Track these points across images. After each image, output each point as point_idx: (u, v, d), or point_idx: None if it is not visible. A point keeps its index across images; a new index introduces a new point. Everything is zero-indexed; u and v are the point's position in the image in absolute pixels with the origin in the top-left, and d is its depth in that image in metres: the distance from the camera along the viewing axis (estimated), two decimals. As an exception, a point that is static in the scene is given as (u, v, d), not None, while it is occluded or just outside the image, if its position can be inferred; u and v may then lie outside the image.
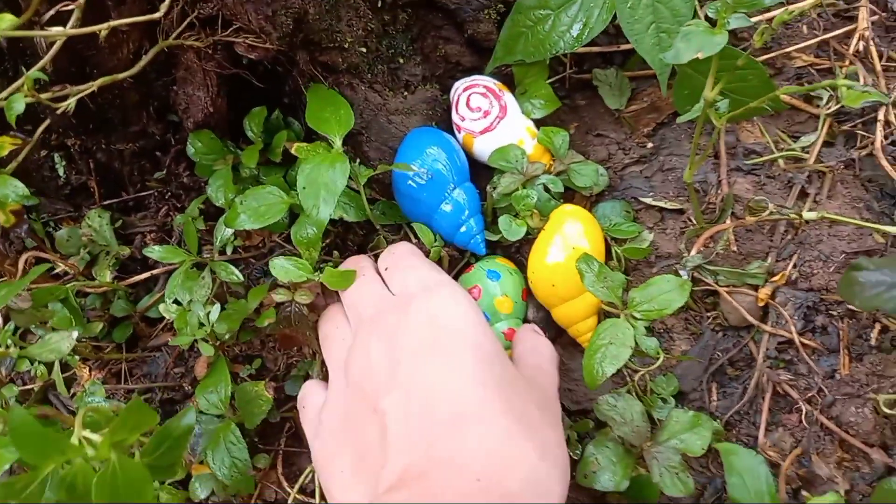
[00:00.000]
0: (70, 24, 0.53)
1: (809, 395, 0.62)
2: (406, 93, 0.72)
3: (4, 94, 0.52)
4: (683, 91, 0.74)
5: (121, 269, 0.75)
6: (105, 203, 0.79)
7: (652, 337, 0.59)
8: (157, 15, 0.56)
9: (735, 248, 0.70)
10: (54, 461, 0.32)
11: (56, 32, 0.52)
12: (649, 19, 0.67)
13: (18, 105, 0.51)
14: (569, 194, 0.72)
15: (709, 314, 0.69)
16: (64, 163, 0.77)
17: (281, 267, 0.59)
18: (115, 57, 0.67)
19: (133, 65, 0.65)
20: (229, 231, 0.67)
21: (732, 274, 0.68)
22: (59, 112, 0.54)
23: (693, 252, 0.69)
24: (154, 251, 0.62)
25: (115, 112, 0.71)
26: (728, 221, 0.70)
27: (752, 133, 0.78)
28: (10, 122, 0.51)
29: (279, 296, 0.59)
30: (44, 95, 0.53)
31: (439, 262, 0.68)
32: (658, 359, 0.62)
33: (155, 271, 0.74)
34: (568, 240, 0.65)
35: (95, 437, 0.34)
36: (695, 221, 0.71)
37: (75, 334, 0.54)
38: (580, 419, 0.65)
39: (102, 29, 0.53)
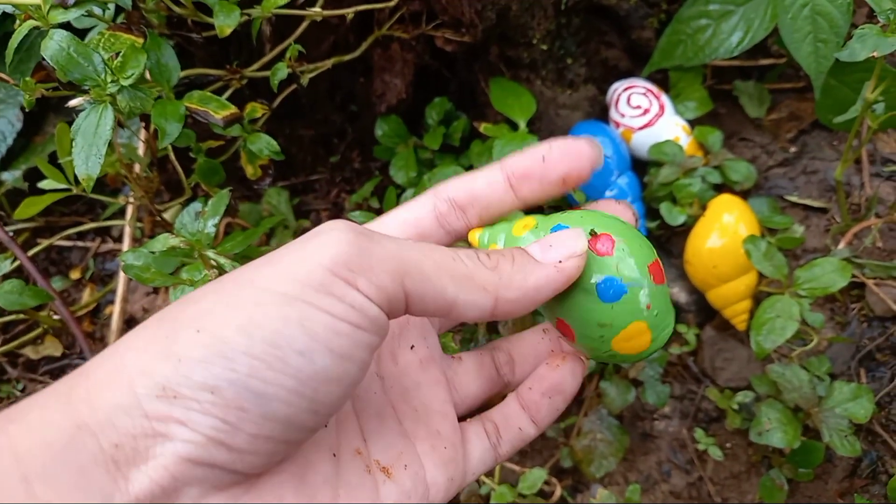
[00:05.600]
0: (317, 6, 0.62)
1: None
2: (570, 90, 0.79)
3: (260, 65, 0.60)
4: (827, 101, 0.80)
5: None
6: (278, 185, 0.87)
7: (817, 313, 0.64)
8: (391, 3, 0.64)
9: (881, 245, 0.74)
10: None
11: (314, 12, 0.60)
12: (808, 30, 0.73)
13: (282, 72, 0.59)
14: (716, 190, 0.78)
15: (854, 305, 0.74)
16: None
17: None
18: (318, 48, 0.75)
19: (330, 56, 0.73)
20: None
21: (879, 267, 0.72)
22: (304, 83, 0.62)
23: (841, 246, 0.74)
24: (356, 216, 0.69)
25: (308, 100, 0.80)
26: (873, 219, 0.74)
27: (888, 143, 0.83)
28: (273, 87, 0.59)
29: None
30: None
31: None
32: (812, 340, 0.66)
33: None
34: (728, 226, 0.71)
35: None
36: (840, 219, 0.76)
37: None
38: (735, 393, 0.69)
39: (349, 13, 0.62)
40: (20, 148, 0.86)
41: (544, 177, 0.30)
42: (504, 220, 0.31)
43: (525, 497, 0.60)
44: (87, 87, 0.54)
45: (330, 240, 0.24)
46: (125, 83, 0.52)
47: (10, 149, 0.85)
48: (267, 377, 0.23)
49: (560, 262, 0.27)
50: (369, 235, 0.25)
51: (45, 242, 0.81)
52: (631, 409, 0.69)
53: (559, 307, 0.29)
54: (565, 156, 0.30)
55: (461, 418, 0.33)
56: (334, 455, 0.28)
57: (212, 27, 0.63)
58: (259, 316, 0.23)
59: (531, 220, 0.30)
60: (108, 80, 0.53)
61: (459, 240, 0.32)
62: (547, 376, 0.32)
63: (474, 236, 0.31)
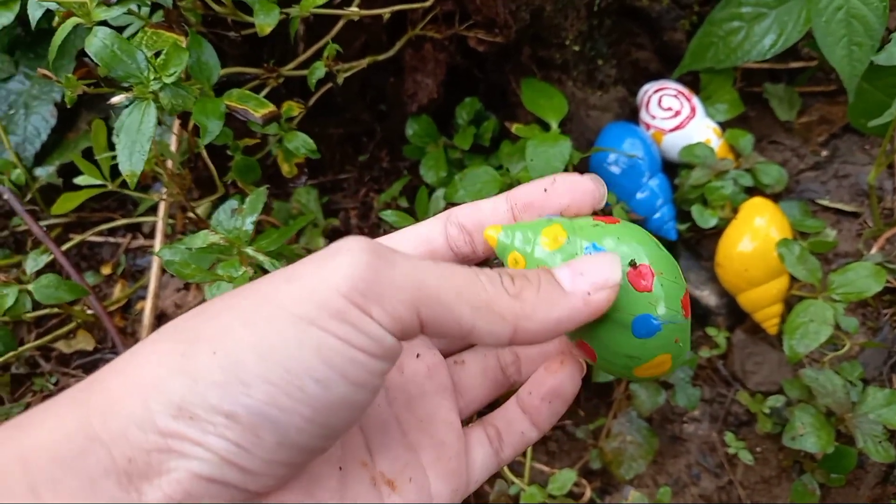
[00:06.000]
0: (353, 6, 0.62)
1: None
2: (601, 92, 0.79)
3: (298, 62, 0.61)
4: (860, 105, 0.79)
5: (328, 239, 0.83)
6: (308, 184, 0.88)
7: (851, 318, 0.63)
8: (426, 3, 0.65)
9: (913, 250, 0.74)
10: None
11: (351, 12, 0.61)
12: (842, 33, 0.72)
13: (320, 71, 0.59)
14: (747, 193, 0.78)
15: (886, 311, 0.73)
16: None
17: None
18: (351, 47, 0.75)
19: (362, 55, 0.73)
20: (443, 203, 0.74)
21: (912, 273, 0.72)
22: (340, 83, 0.62)
23: (873, 251, 0.73)
24: (388, 215, 0.70)
25: (341, 99, 0.80)
26: (906, 224, 0.74)
27: (920, 148, 0.82)
28: (310, 86, 0.60)
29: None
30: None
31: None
32: (844, 345, 0.66)
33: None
34: (759, 229, 0.70)
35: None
36: (872, 223, 0.76)
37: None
38: (766, 397, 0.68)
39: (385, 12, 0.62)
40: (53, 144, 0.88)
41: (544, 208, 0.30)
42: (527, 223, 0.29)
43: (555, 498, 0.60)
44: (128, 85, 0.55)
45: (346, 261, 0.24)
46: (168, 81, 0.53)
47: (43, 144, 0.86)
48: (284, 405, 0.23)
49: (589, 293, 0.26)
50: (386, 257, 0.24)
51: (77, 238, 0.82)
52: (660, 412, 0.69)
53: (585, 331, 0.28)
54: (567, 191, 0.29)
55: (465, 419, 0.33)
56: (340, 468, 0.28)
57: (248, 25, 0.64)
58: (276, 339, 0.23)
59: (560, 230, 0.28)
60: (151, 77, 0.53)
61: (466, 263, 0.31)
62: (546, 381, 0.31)
63: (491, 234, 0.29)
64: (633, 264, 0.27)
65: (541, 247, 0.28)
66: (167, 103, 0.53)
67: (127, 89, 0.55)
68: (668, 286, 0.27)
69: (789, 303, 0.70)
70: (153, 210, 0.84)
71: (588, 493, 0.62)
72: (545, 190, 0.30)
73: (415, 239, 0.31)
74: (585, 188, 0.29)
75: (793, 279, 0.70)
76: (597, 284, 0.26)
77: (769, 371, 0.70)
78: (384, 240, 0.31)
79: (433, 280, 0.25)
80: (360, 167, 0.88)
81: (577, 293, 0.26)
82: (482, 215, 0.30)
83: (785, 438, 0.60)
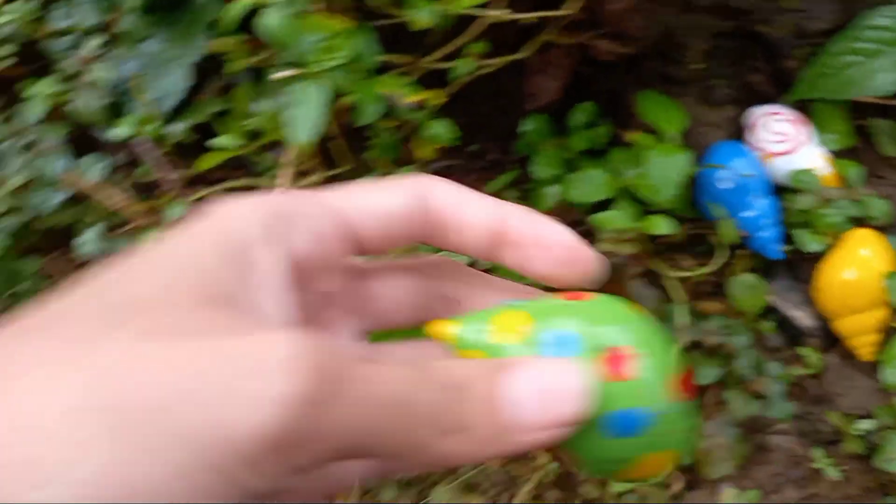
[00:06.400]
0: (499, 11, 0.66)
1: None
2: (715, 109, 0.82)
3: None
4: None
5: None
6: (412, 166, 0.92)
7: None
8: (563, 12, 0.68)
9: None
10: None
11: (499, 15, 0.64)
12: (962, 75, 0.74)
13: (470, 66, 0.63)
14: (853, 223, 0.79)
15: (979, 351, 0.74)
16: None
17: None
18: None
19: (491, 55, 0.77)
20: (556, 200, 0.78)
21: None
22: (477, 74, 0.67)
23: (974, 291, 0.75)
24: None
25: (466, 90, 0.84)
26: None
27: None
28: (453, 79, 0.64)
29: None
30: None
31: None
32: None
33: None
34: (864, 260, 0.72)
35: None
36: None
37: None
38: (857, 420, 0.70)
39: (533, 17, 0.66)
40: (182, 105, 0.93)
41: (529, 261, 0.23)
42: (484, 312, 0.24)
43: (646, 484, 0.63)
44: (294, 62, 0.59)
45: (283, 392, 0.16)
46: (335, 63, 0.57)
47: (176, 104, 0.92)
48: None
49: (536, 437, 0.20)
50: (335, 383, 0.17)
51: (205, 191, 0.87)
52: (751, 420, 0.71)
53: None
54: (562, 261, 0.23)
55: None
56: None
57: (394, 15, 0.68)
58: (159, 485, 0.16)
59: (525, 316, 0.23)
60: (320, 58, 0.58)
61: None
62: None
63: (446, 331, 0.23)
64: (607, 349, 0.22)
65: (504, 341, 0.23)
66: (335, 83, 0.57)
67: (289, 65, 0.60)
68: (655, 368, 0.22)
69: (888, 332, 0.72)
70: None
71: (678, 486, 0.65)
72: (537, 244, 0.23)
73: (380, 216, 0.22)
74: (580, 260, 0.24)
75: (893, 311, 0.71)
76: (547, 423, 0.20)
77: (860, 396, 0.72)
78: (342, 199, 0.22)
79: (381, 423, 0.18)
80: (468, 156, 0.92)
81: (521, 432, 0.20)
82: (461, 218, 0.23)
83: (878, 460, 0.62)
